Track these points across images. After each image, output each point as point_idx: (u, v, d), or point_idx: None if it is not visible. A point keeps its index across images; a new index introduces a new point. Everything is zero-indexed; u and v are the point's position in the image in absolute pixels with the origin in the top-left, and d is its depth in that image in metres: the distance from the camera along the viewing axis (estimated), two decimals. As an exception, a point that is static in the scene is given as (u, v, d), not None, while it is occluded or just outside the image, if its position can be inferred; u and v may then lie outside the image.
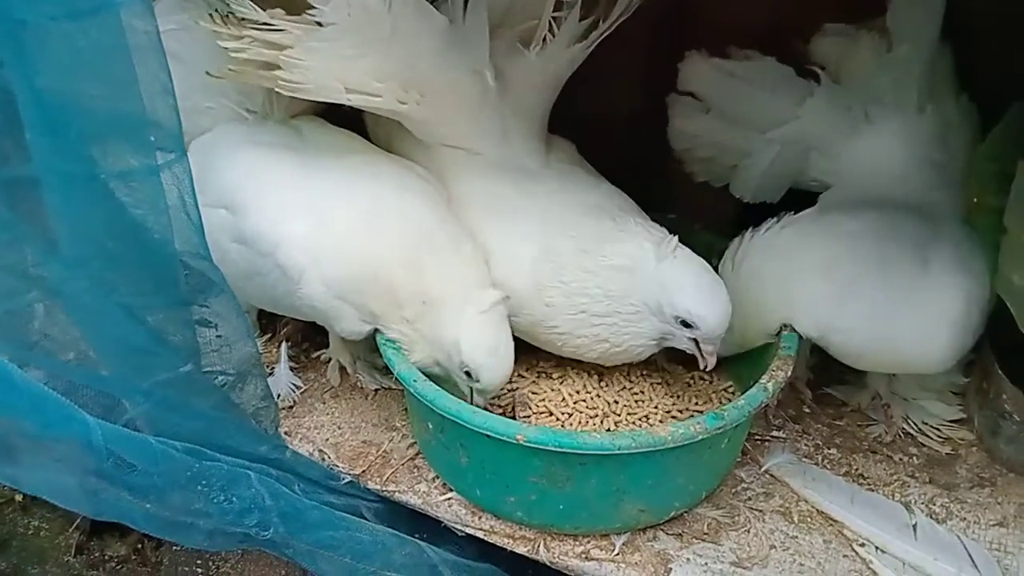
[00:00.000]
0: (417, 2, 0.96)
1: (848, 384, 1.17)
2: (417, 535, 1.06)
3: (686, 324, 0.97)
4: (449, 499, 1.03)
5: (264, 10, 0.95)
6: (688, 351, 1.01)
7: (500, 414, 1.08)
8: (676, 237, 1.00)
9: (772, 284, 1.01)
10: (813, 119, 1.10)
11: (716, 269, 1.16)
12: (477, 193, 1.08)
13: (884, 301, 0.96)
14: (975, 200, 1.04)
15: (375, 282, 0.97)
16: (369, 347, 1.14)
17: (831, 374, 1.17)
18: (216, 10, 0.97)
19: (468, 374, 0.97)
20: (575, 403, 1.04)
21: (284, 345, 1.20)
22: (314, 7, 0.93)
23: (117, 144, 0.87)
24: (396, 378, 0.99)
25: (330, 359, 1.21)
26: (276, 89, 0.97)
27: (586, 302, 1.00)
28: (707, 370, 1.02)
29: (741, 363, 1.11)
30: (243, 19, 0.95)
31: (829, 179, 1.13)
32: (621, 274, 0.98)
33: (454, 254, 1.00)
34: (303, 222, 1.00)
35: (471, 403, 0.97)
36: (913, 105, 1.06)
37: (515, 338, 1.01)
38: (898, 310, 0.96)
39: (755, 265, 1.04)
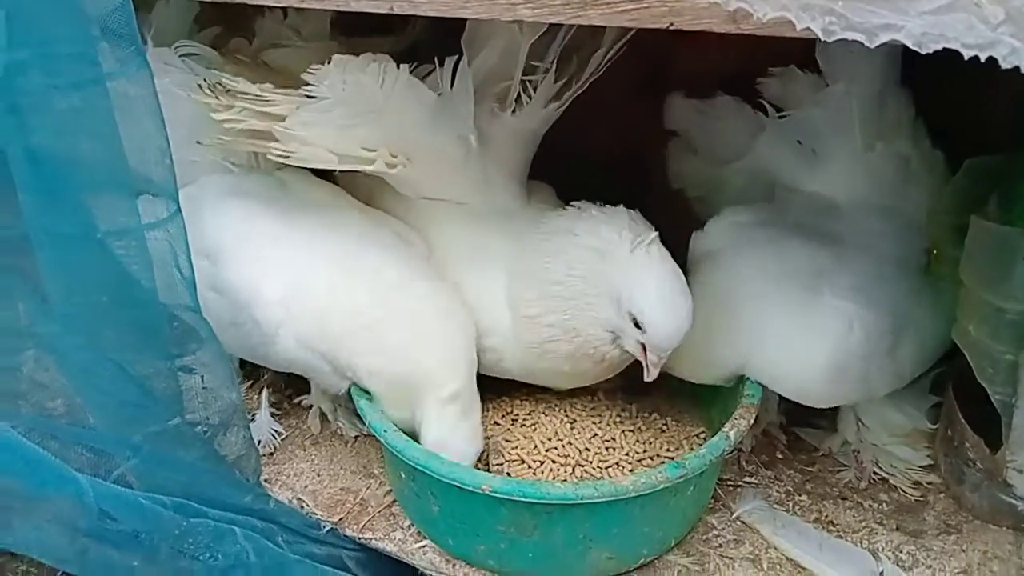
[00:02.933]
0: (408, 77, 1.00)
1: (819, 429, 1.18)
2: (398, 584, 1.08)
3: (637, 325, 0.95)
4: (424, 547, 1.04)
5: (254, 83, 0.99)
6: (635, 355, 0.99)
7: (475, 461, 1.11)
8: (656, 235, 0.97)
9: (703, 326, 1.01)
10: (766, 151, 1.15)
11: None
12: (458, 242, 1.11)
13: (776, 329, 1.00)
14: (935, 252, 1.06)
15: (345, 340, 1.00)
16: (348, 393, 1.17)
17: (803, 418, 1.19)
18: (205, 80, 1.02)
19: None
20: (547, 451, 1.06)
21: (265, 392, 1.23)
22: (308, 82, 0.97)
23: (108, 203, 0.91)
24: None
25: (311, 405, 1.23)
26: (268, 157, 1.01)
27: (555, 289, 0.99)
28: (648, 380, 1.00)
29: (712, 408, 1.13)
30: (231, 91, 1.00)
31: None
32: (590, 254, 0.98)
33: (425, 318, 1.02)
34: (280, 276, 1.03)
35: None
36: (858, 144, 1.09)
37: (488, 381, 1.04)
38: (786, 335, 1.00)
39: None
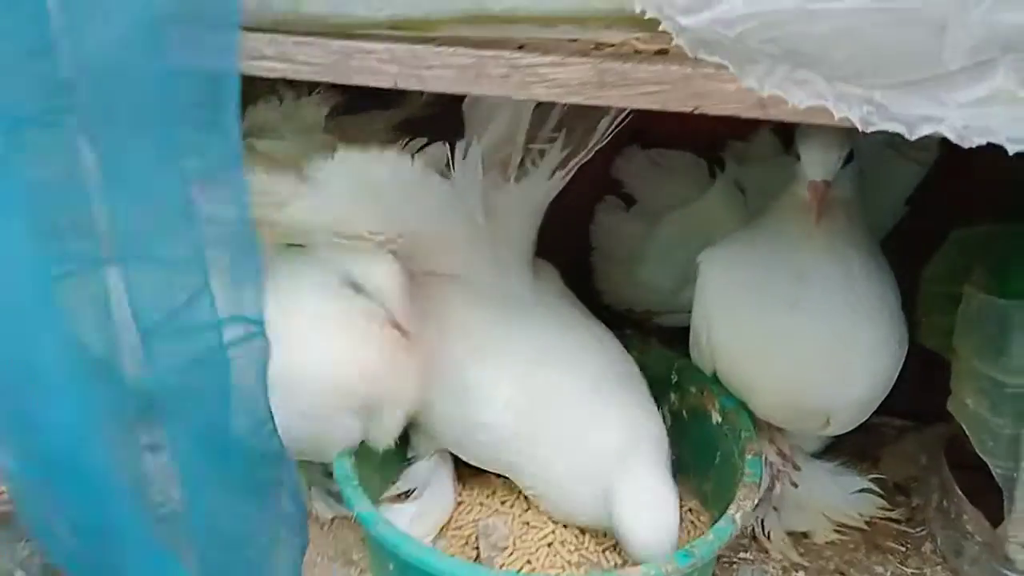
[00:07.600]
0: (421, 170, 0.95)
1: None
2: None
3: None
4: (411, 644, 0.98)
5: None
6: None
7: (462, 543, 1.05)
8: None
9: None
10: (712, 203, 1.16)
11: (674, 384, 1.16)
12: (462, 324, 1.06)
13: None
14: (924, 319, 1.06)
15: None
16: (324, 471, 1.10)
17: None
18: None
19: None
20: (542, 537, 1.00)
21: (234, 473, 1.15)
22: (311, 176, 0.92)
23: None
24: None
25: (283, 486, 1.16)
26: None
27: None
28: None
29: (706, 483, 1.10)
30: None
31: None
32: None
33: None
34: None
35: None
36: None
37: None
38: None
39: None
